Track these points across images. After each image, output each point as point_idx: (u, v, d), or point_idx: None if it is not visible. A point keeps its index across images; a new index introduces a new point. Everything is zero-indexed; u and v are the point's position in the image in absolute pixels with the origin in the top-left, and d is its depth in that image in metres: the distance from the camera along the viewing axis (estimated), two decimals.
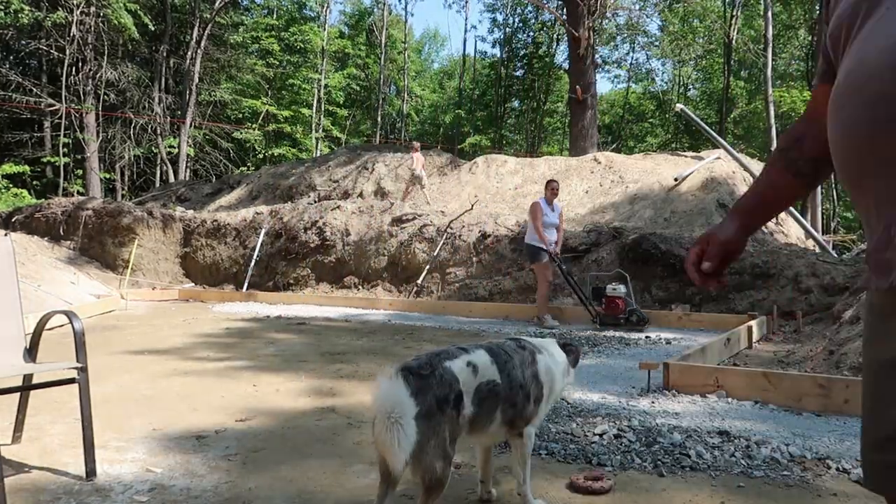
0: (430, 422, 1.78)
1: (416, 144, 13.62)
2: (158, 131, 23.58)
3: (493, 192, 12.47)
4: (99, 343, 5.78)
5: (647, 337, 6.57)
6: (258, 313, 8.52)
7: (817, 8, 19.78)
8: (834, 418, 3.48)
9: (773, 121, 20.09)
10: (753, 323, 6.12)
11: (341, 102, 33.35)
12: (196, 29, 23.48)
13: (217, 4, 23.75)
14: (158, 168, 24.60)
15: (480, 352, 2.06)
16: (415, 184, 12.96)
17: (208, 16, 23.94)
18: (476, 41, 77.42)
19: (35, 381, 2.75)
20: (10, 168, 21.34)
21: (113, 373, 4.48)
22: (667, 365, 4.11)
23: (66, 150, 21.47)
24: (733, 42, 23.35)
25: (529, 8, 31.50)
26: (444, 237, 9.99)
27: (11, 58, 24.55)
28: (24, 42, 21.50)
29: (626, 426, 3.18)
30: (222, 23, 25.54)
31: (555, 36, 31.74)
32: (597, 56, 22.25)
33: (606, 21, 23.90)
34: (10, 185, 21.47)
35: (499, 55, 34.57)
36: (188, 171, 24.80)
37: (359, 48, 35.08)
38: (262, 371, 4.64)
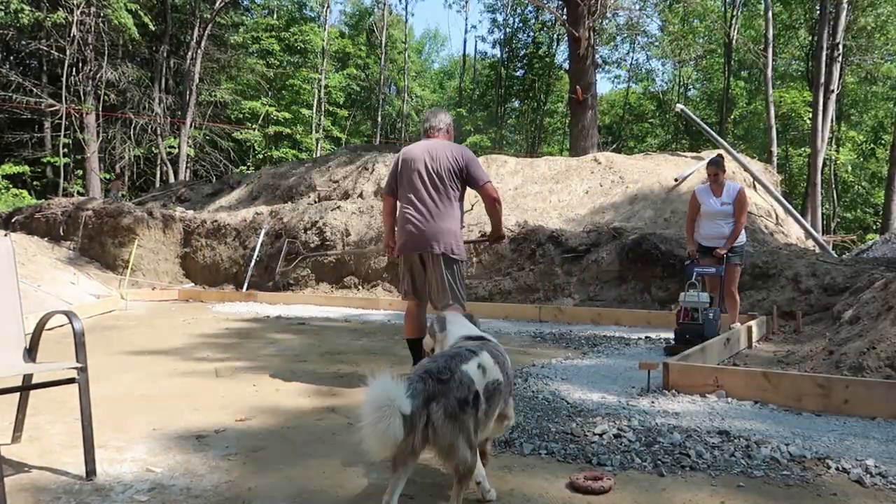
0: (456, 421, 1.98)
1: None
2: (158, 131, 23.57)
3: None
4: (99, 343, 5.78)
5: (647, 337, 6.58)
6: (258, 313, 8.52)
7: (817, 8, 19.78)
8: (834, 418, 3.49)
9: (773, 121, 20.10)
10: (753, 323, 6.12)
11: (341, 103, 33.35)
12: (196, 29, 23.46)
13: (217, 5, 23.73)
14: (158, 168, 24.58)
15: (485, 353, 2.26)
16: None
17: (208, 16, 23.93)
18: (476, 41, 77.39)
19: (35, 381, 2.75)
20: (10, 168, 21.33)
21: (113, 373, 4.48)
22: (666, 365, 4.11)
23: (66, 150, 21.46)
24: (733, 42, 23.35)
25: (529, 8, 31.50)
26: None
27: (11, 58, 24.53)
28: (24, 42, 21.48)
29: (625, 426, 3.18)
30: (222, 23, 25.52)
31: (555, 36, 31.73)
32: (597, 56, 22.23)
33: (606, 21, 23.88)
34: (10, 186, 21.47)
35: (499, 55, 34.57)
36: (188, 171, 24.78)
37: (359, 48, 35.07)
38: (263, 371, 4.65)
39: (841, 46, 18.06)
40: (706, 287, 6.01)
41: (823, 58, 17.25)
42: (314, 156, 26.25)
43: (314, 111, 30.49)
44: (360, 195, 13.92)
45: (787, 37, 26.26)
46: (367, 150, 16.73)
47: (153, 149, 24.11)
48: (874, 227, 25.39)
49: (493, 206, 4.16)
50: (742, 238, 6.16)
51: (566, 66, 23.04)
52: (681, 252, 8.47)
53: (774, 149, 20.18)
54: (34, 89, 21.21)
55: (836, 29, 17.74)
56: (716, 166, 6.16)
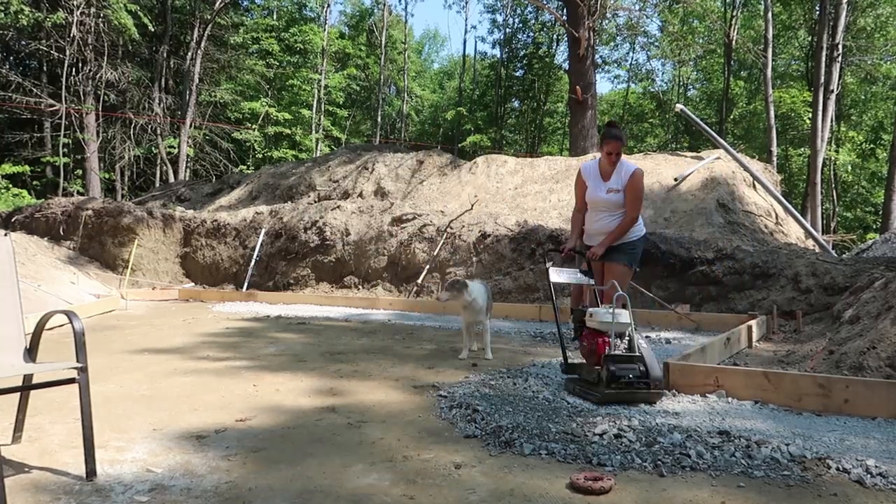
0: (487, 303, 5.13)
1: None
2: (158, 131, 23.58)
3: (493, 192, 12.47)
4: (99, 343, 5.78)
5: (647, 337, 6.57)
6: (258, 313, 8.52)
7: (817, 8, 19.78)
8: (834, 418, 3.49)
9: (772, 121, 20.09)
10: (753, 323, 6.12)
11: (341, 103, 33.34)
12: (196, 29, 23.46)
13: (217, 5, 23.73)
14: (158, 168, 24.58)
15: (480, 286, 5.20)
16: None
17: (208, 16, 23.93)
18: (476, 42, 77.61)
19: (35, 381, 2.75)
20: (10, 168, 21.31)
21: (113, 373, 4.48)
22: (667, 365, 4.11)
23: (66, 150, 21.44)
24: (733, 42, 23.34)
25: (529, 8, 31.51)
26: (444, 237, 9.99)
27: (11, 58, 24.53)
28: (24, 43, 21.48)
29: (626, 426, 3.18)
30: (222, 23, 25.53)
31: (555, 36, 31.74)
32: (597, 56, 22.25)
33: (606, 21, 23.89)
34: (10, 185, 21.45)
35: (499, 56, 34.57)
36: (188, 171, 24.79)
37: (359, 49, 35.07)
38: (263, 371, 4.64)
39: (840, 47, 18.04)
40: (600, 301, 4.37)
41: (823, 58, 17.24)
42: (314, 156, 26.25)
43: (314, 111, 30.48)
44: (360, 195, 13.92)
45: (786, 37, 26.27)
46: (367, 150, 16.73)
47: (153, 149, 24.11)
48: (874, 227, 25.39)
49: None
50: (638, 230, 4.73)
51: (566, 66, 23.02)
52: (681, 252, 8.47)
53: (774, 149, 20.17)
54: (34, 89, 21.20)
55: (835, 29, 17.73)
56: (616, 141, 4.53)
